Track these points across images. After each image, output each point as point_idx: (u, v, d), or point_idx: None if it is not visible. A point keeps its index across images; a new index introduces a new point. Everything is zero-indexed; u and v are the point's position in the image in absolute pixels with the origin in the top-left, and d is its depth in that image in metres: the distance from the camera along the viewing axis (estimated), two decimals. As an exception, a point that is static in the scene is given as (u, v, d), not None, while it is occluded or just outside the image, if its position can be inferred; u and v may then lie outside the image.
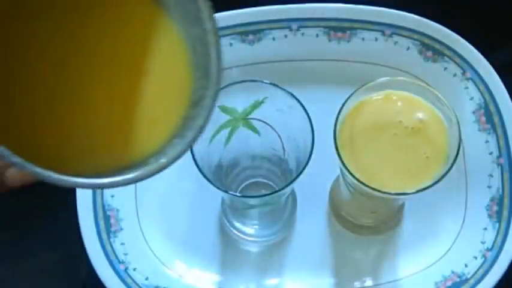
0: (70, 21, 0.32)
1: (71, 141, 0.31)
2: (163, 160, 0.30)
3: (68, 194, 0.54)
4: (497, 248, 0.53)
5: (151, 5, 0.32)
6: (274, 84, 0.45)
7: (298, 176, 0.44)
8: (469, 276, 0.53)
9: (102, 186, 0.29)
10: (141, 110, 0.32)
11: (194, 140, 0.30)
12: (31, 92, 0.31)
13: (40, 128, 0.31)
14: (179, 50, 0.32)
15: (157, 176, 0.30)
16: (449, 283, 0.53)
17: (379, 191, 0.44)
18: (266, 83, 0.45)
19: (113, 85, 0.32)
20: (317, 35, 0.58)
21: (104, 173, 0.30)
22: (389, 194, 0.45)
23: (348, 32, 0.58)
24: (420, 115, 0.47)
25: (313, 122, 0.44)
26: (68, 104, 0.31)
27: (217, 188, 0.44)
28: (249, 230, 0.56)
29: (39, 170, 0.27)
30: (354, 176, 0.45)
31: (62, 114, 0.31)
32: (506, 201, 0.54)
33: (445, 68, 0.57)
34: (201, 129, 0.30)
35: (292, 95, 0.44)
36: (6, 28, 0.31)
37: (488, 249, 0.53)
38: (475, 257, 0.53)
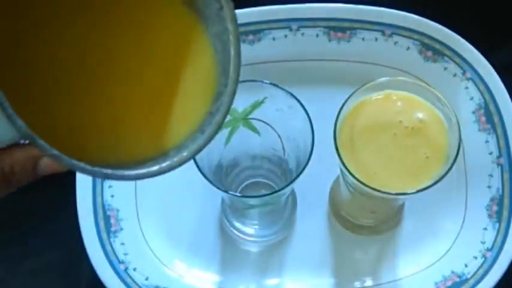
0: (107, 17, 0.32)
1: (103, 133, 0.32)
2: (185, 153, 0.31)
3: (68, 194, 0.54)
4: (497, 248, 0.53)
5: (178, 4, 0.33)
6: (274, 84, 0.45)
7: (298, 176, 0.44)
8: (469, 276, 0.53)
9: (129, 178, 0.30)
10: (173, 105, 0.33)
11: (213, 135, 0.31)
12: (68, 85, 0.31)
13: (74, 120, 0.31)
14: (206, 47, 0.33)
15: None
16: (449, 283, 0.53)
17: (379, 191, 0.44)
18: (266, 83, 0.45)
19: (147, 80, 0.33)
20: (317, 35, 0.58)
21: (126, 165, 0.30)
22: (390, 194, 0.45)
23: (348, 32, 0.58)
24: (420, 115, 0.47)
25: (313, 122, 0.44)
26: (102, 97, 0.32)
27: (217, 188, 0.44)
28: (249, 230, 0.56)
29: (74, 162, 0.28)
30: (354, 176, 0.45)
31: (95, 107, 0.32)
32: (506, 201, 0.54)
33: (445, 68, 0.57)
34: (220, 125, 0.31)
35: (292, 95, 0.44)
36: (45, 22, 0.31)
37: (488, 249, 0.53)
38: (475, 257, 0.53)
